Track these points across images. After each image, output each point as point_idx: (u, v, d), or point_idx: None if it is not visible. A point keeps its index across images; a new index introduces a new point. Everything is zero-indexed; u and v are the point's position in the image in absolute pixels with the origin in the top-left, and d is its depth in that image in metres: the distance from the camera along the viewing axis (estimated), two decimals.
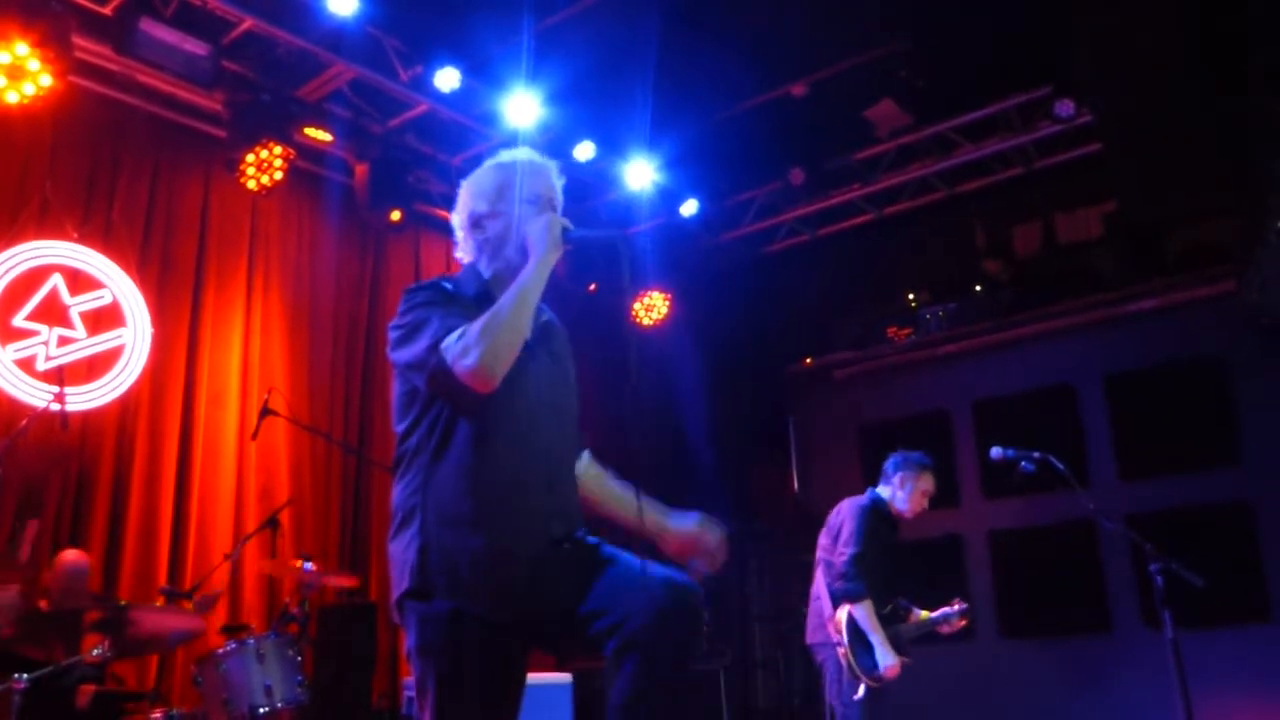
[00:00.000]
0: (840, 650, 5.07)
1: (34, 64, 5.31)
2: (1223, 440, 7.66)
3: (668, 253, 9.24)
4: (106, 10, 5.94)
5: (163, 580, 6.04)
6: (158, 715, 4.79)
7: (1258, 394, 7.57)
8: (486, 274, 2.65)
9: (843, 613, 5.09)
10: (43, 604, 5.20)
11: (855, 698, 5.00)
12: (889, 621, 5.12)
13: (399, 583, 2.53)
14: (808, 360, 9.91)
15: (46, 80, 5.39)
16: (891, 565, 5.27)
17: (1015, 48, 7.39)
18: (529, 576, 2.41)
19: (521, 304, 2.39)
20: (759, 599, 9.27)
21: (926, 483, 5.31)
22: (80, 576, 5.31)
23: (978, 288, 9.18)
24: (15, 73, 5.31)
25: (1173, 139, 6.68)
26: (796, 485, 9.72)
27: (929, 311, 9.22)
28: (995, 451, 5.20)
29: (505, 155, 2.73)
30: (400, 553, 2.57)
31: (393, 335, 2.56)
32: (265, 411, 5.94)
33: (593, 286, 8.87)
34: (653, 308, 9.11)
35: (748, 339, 9.82)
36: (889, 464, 5.44)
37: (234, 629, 5.45)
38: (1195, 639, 5.05)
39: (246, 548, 6.30)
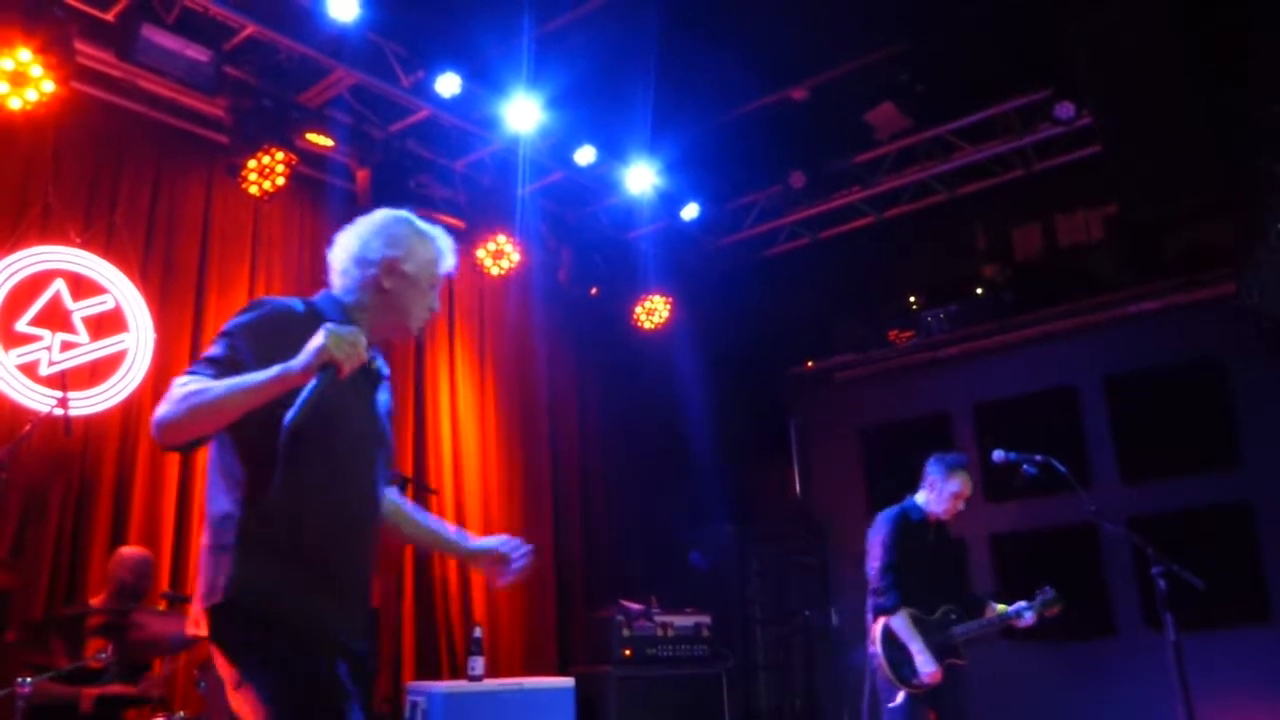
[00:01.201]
0: (877, 659, 5.08)
1: (36, 70, 5.33)
2: (1223, 442, 7.67)
3: (669, 257, 9.25)
4: (109, 16, 5.95)
5: (165, 585, 6.05)
6: (161, 719, 4.80)
7: (1258, 396, 7.58)
8: (351, 311, 2.61)
9: (879, 624, 5.10)
10: (97, 600, 5.24)
11: (891, 705, 5.00)
12: (939, 627, 5.10)
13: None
14: (809, 363, 9.93)
15: (49, 86, 5.41)
16: (933, 569, 5.25)
17: (1015, 50, 7.41)
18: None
19: (243, 398, 2.25)
20: (760, 602, 9.27)
21: (956, 484, 5.29)
22: (150, 567, 5.38)
23: (978, 290, 9.19)
24: (18, 79, 5.33)
25: (1172, 141, 6.69)
26: (798, 488, 9.73)
27: (930, 314, 9.24)
28: (997, 454, 5.21)
29: (426, 227, 2.75)
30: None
31: (226, 326, 2.49)
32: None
33: (594, 290, 8.89)
34: (654, 311, 9.13)
35: (749, 342, 9.83)
36: (925, 467, 5.44)
37: None
38: (1197, 641, 5.05)
39: None
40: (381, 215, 2.71)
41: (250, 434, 2.37)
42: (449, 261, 2.75)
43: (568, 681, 6.64)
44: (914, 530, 5.29)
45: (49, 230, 6.09)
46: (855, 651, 8.90)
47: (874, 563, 5.22)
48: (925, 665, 4.95)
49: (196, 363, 2.37)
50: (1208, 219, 7.94)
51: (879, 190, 8.89)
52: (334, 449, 2.44)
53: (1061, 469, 4.97)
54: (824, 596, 9.29)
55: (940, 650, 5.03)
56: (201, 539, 2.46)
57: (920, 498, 5.38)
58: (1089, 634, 7.76)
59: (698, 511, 9.23)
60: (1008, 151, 8.28)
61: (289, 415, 2.27)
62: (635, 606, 7.58)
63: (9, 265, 5.87)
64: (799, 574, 9.19)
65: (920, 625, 5.07)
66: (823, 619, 9.15)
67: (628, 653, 7.38)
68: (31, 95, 5.41)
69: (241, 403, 2.26)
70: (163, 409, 2.26)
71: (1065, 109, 7.49)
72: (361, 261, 2.63)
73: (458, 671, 7.22)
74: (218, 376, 2.30)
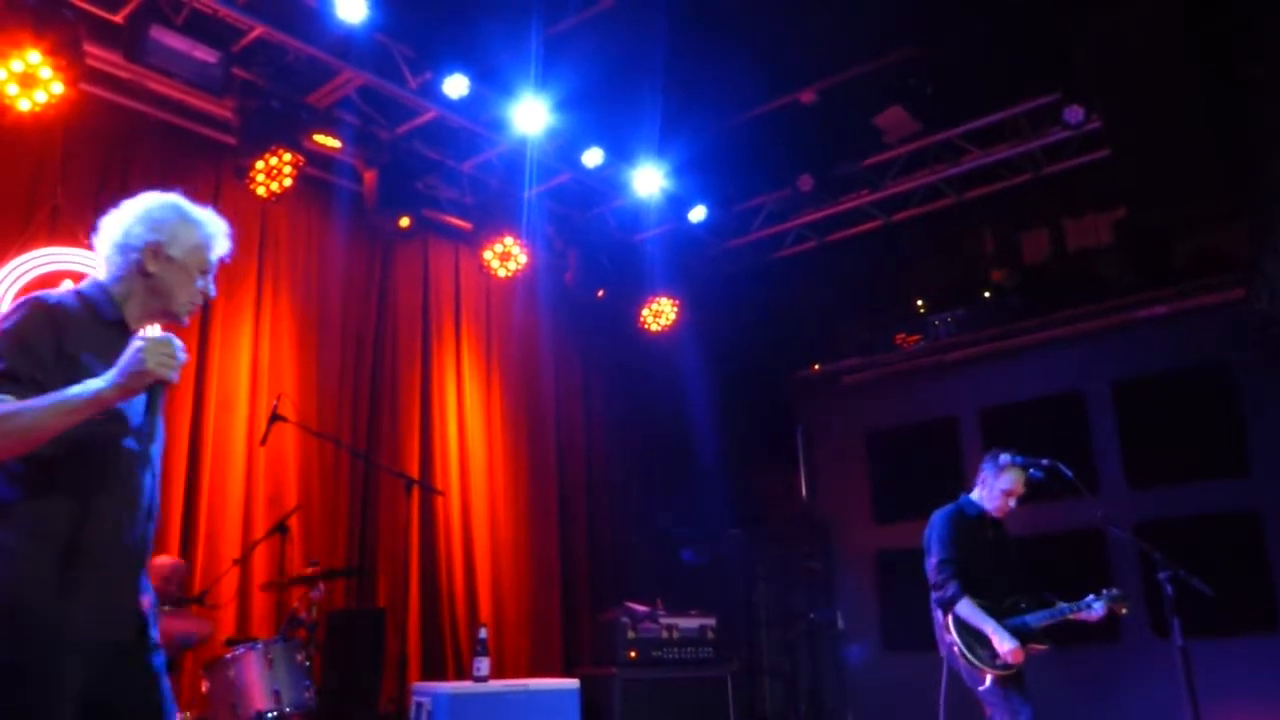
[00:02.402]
0: (955, 648, 5.06)
1: (46, 71, 5.35)
2: (1231, 449, 7.64)
3: (676, 259, 9.25)
4: (117, 18, 5.97)
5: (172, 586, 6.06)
6: None
7: (1266, 402, 7.55)
8: (120, 299, 2.54)
9: (949, 617, 5.10)
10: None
11: (982, 689, 4.99)
12: (1010, 614, 5.08)
13: None
14: (815, 366, 9.92)
15: (58, 88, 5.43)
16: (996, 563, 5.24)
17: (1024, 54, 7.39)
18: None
19: (57, 421, 2.22)
20: (766, 605, 9.26)
21: (1006, 481, 5.26)
22: (183, 573, 5.45)
23: (986, 294, 9.17)
24: (27, 80, 5.35)
25: (1181, 146, 6.67)
26: (804, 491, 9.71)
27: (937, 318, 9.22)
28: (1004, 458, 5.21)
29: (193, 208, 2.67)
30: None
31: None
32: (274, 417, 5.96)
33: (601, 293, 8.89)
34: (661, 314, 9.13)
35: (755, 345, 9.83)
36: (981, 463, 5.44)
37: (238, 641, 5.46)
38: (1203, 647, 5.04)
39: (255, 553, 6.32)
40: (145, 199, 2.63)
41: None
42: (221, 245, 2.69)
43: (573, 683, 6.63)
44: (971, 525, 5.28)
45: (57, 231, 6.11)
46: (852, 648, 8.91)
47: (932, 559, 5.21)
48: (1004, 643, 4.93)
49: None
50: (1217, 224, 7.91)
51: (887, 194, 8.87)
52: (102, 453, 2.40)
53: (1068, 474, 4.96)
54: (829, 600, 9.28)
55: (1020, 637, 5.01)
56: None
57: (975, 494, 5.37)
58: (1093, 639, 7.73)
59: (703, 514, 9.23)
60: (1016, 155, 8.26)
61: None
62: (640, 608, 7.58)
63: (18, 266, 5.89)
64: (804, 577, 9.18)
65: (991, 615, 5.05)
66: (828, 622, 9.14)
67: (633, 654, 7.38)
68: (41, 97, 5.43)
69: (55, 426, 2.22)
70: None
71: (1074, 113, 7.47)
72: (124, 248, 2.55)
73: (463, 672, 7.23)
74: (6, 391, 2.24)
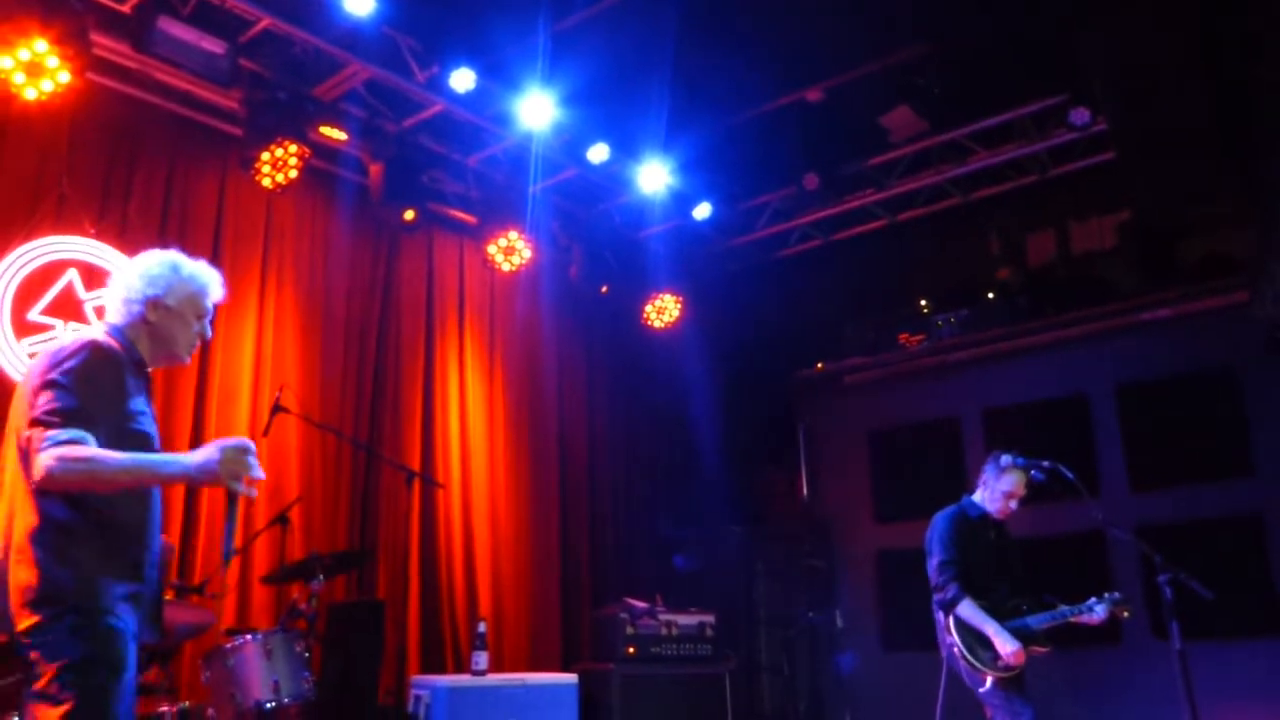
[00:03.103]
0: (955, 650, 5.06)
1: (53, 61, 5.35)
2: (1234, 452, 7.64)
3: (680, 256, 9.25)
4: (125, 8, 5.97)
5: (173, 575, 6.06)
6: (166, 708, 4.81)
7: (1270, 406, 7.54)
8: (133, 341, 2.95)
9: (950, 618, 5.10)
10: None
11: (983, 690, 4.99)
12: (1012, 615, 5.08)
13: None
14: (819, 365, 9.91)
15: (65, 77, 5.43)
16: (998, 566, 5.23)
17: (1031, 55, 7.38)
18: None
19: (132, 480, 2.66)
20: (766, 603, 9.27)
21: (1008, 483, 5.25)
22: (170, 555, 5.42)
23: (990, 295, 9.17)
24: (34, 69, 5.35)
25: (1187, 148, 6.66)
26: (805, 490, 9.71)
27: (941, 318, 9.22)
28: (1005, 459, 5.20)
29: (188, 262, 3.08)
30: None
31: (55, 374, 2.69)
32: (276, 408, 5.97)
33: (604, 289, 8.89)
34: (664, 310, 9.13)
35: (759, 343, 9.83)
36: (984, 464, 5.43)
37: (238, 631, 5.47)
38: (1203, 651, 5.04)
39: (255, 544, 6.33)
40: (145, 257, 3.04)
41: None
42: (215, 293, 3.11)
43: (571, 678, 6.65)
44: (973, 527, 5.27)
45: (63, 220, 6.11)
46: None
47: (933, 560, 5.20)
48: (1005, 644, 4.92)
49: (52, 413, 2.63)
50: (1222, 227, 7.91)
51: (893, 193, 8.87)
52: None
53: (1069, 475, 4.95)
54: (830, 599, 9.28)
55: (1019, 639, 5.00)
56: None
57: (977, 496, 5.36)
58: (1093, 641, 7.72)
59: (704, 511, 9.24)
60: (1023, 156, 8.25)
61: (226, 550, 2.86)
62: (640, 604, 7.58)
63: (23, 255, 5.90)
64: (805, 576, 9.18)
65: (991, 616, 5.04)
66: (828, 621, 9.14)
67: (631, 651, 7.38)
68: (47, 86, 5.43)
69: (129, 482, 2.66)
70: (59, 467, 2.54)
71: (1081, 115, 7.46)
72: (128, 300, 2.97)
73: (462, 665, 7.24)
74: (83, 429, 2.62)
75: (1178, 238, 8.28)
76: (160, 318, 2.96)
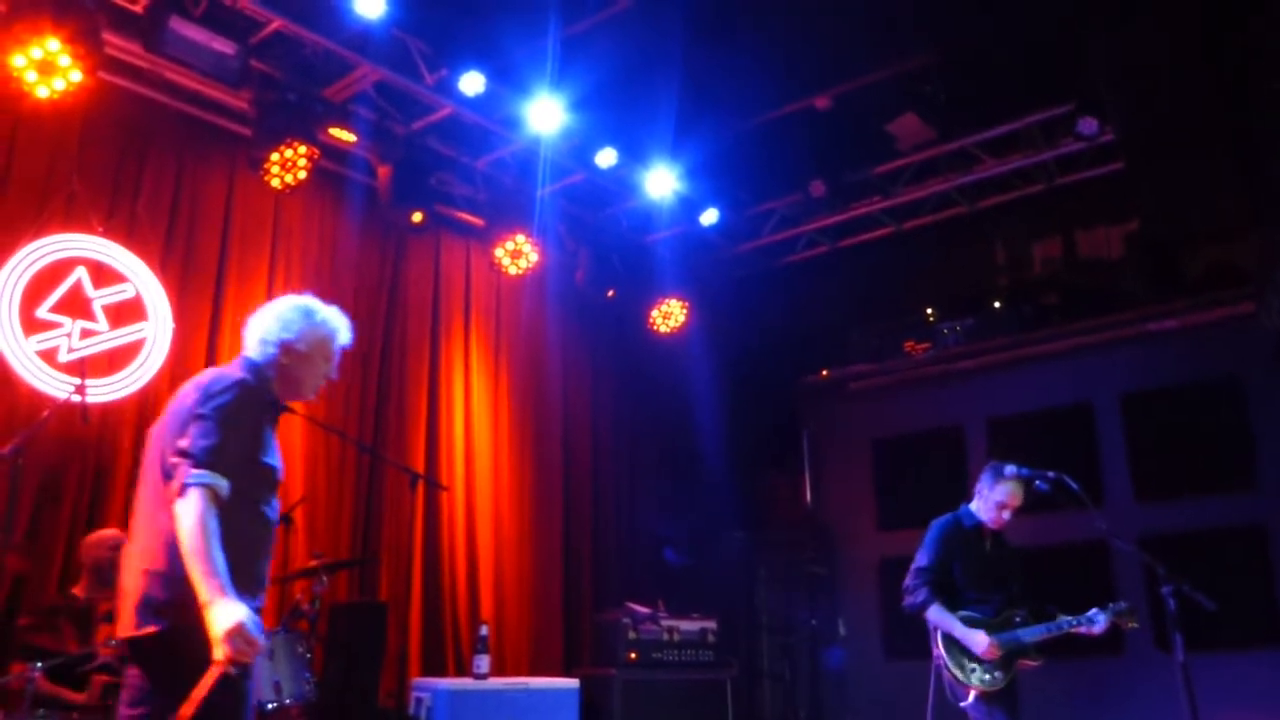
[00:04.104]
0: (940, 661, 5.06)
1: (65, 60, 5.37)
2: (1239, 463, 7.62)
3: (686, 261, 9.26)
4: (137, 8, 6.00)
5: None
6: None
7: (1275, 416, 7.53)
8: (271, 378, 3.19)
9: (939, 633, 5.09)
10: (78, 588, 5.24)
11: (964, 704, 4.98)
12: (1002, 628, 5.06)
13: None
14: (823, 372, 9.92)
15: (76, 76, 5.45)
16: (993, 576, 5.21)
17: (1039, 64, 7.38)
18: None
19: (200, 559, 2.71)
20: (767, 610, 9.26)
21: (1002, 493, 5.22)
22: (120, 546, 5.38)
23: (996, 304, 9.16)
24: (46, 68, 5.37)
25: (1195, 159, 6.66)
26: (808, 497, 9.71)
27: (947, 326, 9.22)
28: (1009, 469, 5.18)
29: (329, 310, 3.33)
30: None
31: (207, 408, 2.90)
32: (281, 408, 5.97)
33: (611, 293, 8.89)
34: (670, 315, 9.13)
35: (764, 349, 9.83)
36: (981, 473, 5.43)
37: None
38: (1206, 662, 5.02)
39: None
40: (280, 303, 3.29)
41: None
42: (342, 338, 3.34)
43: (572, 682, 6.64)
44: (967, 536, 5.25)
45: (72, 218, 6.13)
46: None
47: (912, 565, 5.21)
48: (974, 642, 4.93)
49: (201, 450, 2.82)
50: (1228, 238, 7.90)
51: (899, 201, 8.87)
52: (268, 507, 3.14)
53: (1074, 486, 4.94)
54: (832, 606, 9.27)
55: (1008, 652, 5.00)
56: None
57: (974, 505, 5.35)
58: (1096, 652, 7.71)
59: (707, 516, 9.23)
60: (1030, 165, 8.25)
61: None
62: (642, 610, 7.58)
63: (32, 252, 5.92)
64: (807, 583, 9.17)
65: (980, 627, 5.03)
66: (830, 628, 9.13)
67: (633, 656, 7.38)
68: (59, 84, 5.45)
69: (191, 561, 2.71)
70: (193, 523, 2.72)
71: (1088, 124, 7.45)
72: (264, 342, 3.21)
73: (463, 669, 7.24)
74: (221, 471, 2.82)
75: (1184, 248, 8.27)
76: (291, 360, 3.19)
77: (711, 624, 7.86)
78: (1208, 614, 4.52)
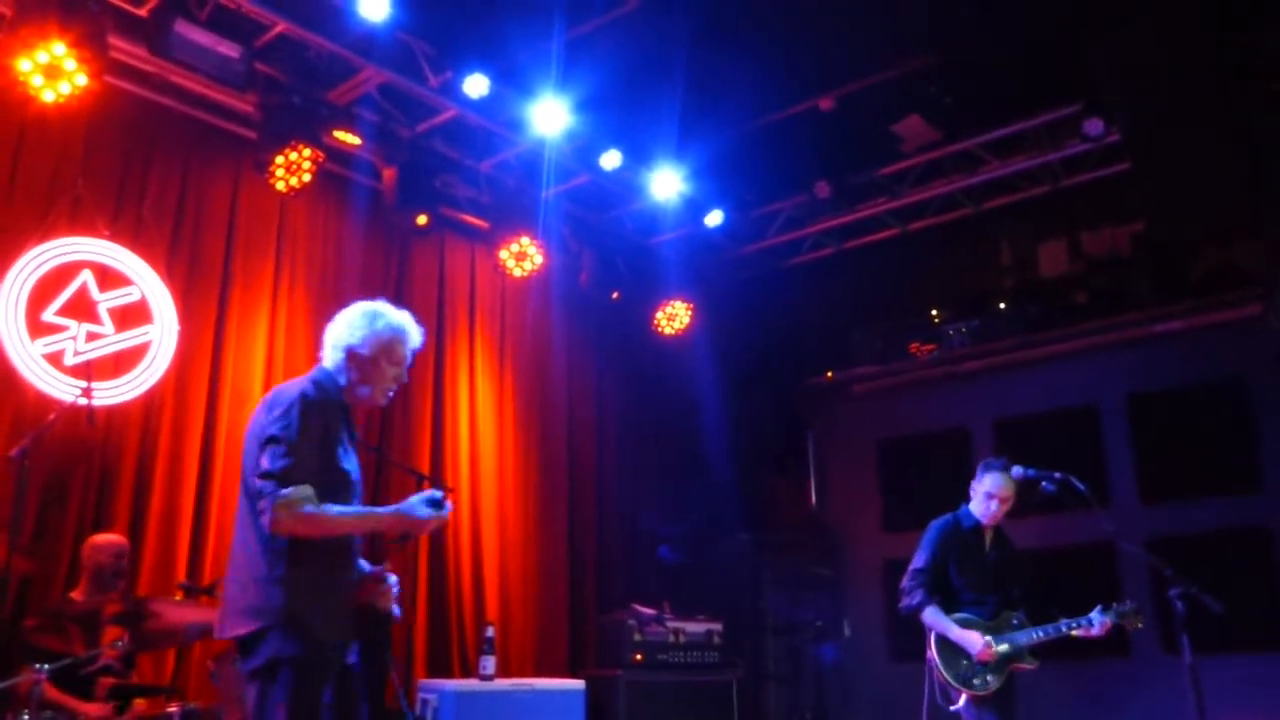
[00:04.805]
0: (933, 663, 5.05)
1: (70, 64, 5.37)
2: (1245, 465, 7.61)
3: (691, 263, 9.25)
4: (142, 12, 6.01)
5: (181, 575, 6.09)
6: (174, 709, 4.83)
7: None
8: (342, 385, 3.35)
9: (933, 635, 5.09)
10: (77, 592, 5.26)
11: (954, 708, 4.97)
12: (998, 630, 5.05)
13: None
14: (828, 374, 9.90)
15: (82, 80, 5.46)
16: (992, 577, 5.21)
17: (1044, 65, 7.37)
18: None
19: (346, 529, 3.17)
20: (773, 612, 9.25)
21: (988, 484, 5.20)
22: (127, 552, 5.42)
23: (1002, 305, 9.15)
24: (52, 72, 5.38)
25: (1201, 160, 6.65)
26: (813, 498, 9.70)
27: (952, 328, 9.20)
28: (1015, 471, 5.17)
29: (396, 314, 3.43)
30: None
31: (275, 428, 3.11)
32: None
33: (615, 295, 8.89)
34: (675, 317, 9.13)
35: (769, 351, 9.82)
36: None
37: None
38: (1213, 664, 5.00)
39: None
40: (353, 309, 3.42)
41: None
42: (414, 341, 3.45)
43: (578, 683, 6.64)
44: (964, 537, 5.25)
45: (78, 221, 6.15)
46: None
47: (909, 566, 5.21)
48: (970, 643, 4.92)
49: (277, 472, 3.05)
50: (1235, 239, 7.88)
51: (904, 202, 8.86)
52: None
53: (1080, 487, 4.93)
54: (837, 608, 9.26)
55: (1003, 655, 4.98)
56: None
57: (971, 505, 5.34)
58: (1103, 655, 7.70)
59: (713, 518, 9.22)
60: (1035, 167, 8.23)
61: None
62: (647, 611, 7.58)
63: (38, 256, 5.93)
64: (812, 583, 9.17)
65: (976, 629, 5.02)
66: (835, 630, 9.12)
67: (638, 657, 7.38)
68: (65, 88, 5.45)
69: (343, 530, 3.16)
70: (289, 521, 3.01)
71: (1094, 125, 7.44)
72: (334, 348, 3.36)
73: (469, 670, 7.24)
74: (302, 481, 3.05)
75: (1190, 249, 8.25)
76: (359, 364, 3.33)
77: (717, 625, 7.86)
78: (1214, 616, 4.51)
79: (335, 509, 3.11)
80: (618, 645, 7.43)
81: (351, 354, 3.33)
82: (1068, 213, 8.73)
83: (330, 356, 3.37)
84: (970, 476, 5.40)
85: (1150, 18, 6.33)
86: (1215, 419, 7.78)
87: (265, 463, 3.07)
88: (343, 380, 3.34)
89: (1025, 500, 5.39)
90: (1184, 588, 4.56)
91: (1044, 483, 5.10)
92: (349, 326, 3.37)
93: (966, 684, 4.95)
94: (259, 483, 3.06)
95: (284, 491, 3.01)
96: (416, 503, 3.21)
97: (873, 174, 8.64)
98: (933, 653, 5.05)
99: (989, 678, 4.96)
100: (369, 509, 3.25)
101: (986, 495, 5.22)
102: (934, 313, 9.51)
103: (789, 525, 9.62)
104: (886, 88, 7.64)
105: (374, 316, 3.39)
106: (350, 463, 3.32)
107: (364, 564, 3.48)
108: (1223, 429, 7.74)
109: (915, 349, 9.36)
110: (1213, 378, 7.87)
